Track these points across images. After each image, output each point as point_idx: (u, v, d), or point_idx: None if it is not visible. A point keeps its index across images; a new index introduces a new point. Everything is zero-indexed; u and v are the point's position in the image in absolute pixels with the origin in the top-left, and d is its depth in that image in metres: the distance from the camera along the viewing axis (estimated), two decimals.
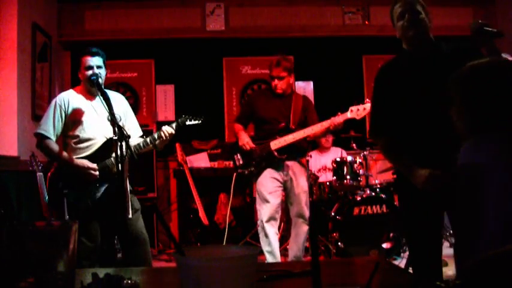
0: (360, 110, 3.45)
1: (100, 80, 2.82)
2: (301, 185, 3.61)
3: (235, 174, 3.71)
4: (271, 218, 3.52)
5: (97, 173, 2.79)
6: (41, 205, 3.37)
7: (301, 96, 3.82)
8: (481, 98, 1.42)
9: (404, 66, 2.10)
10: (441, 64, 2.03)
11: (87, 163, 2.78)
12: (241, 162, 3.62)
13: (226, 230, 4.12)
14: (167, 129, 2.90)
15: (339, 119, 3.44)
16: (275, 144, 3.52)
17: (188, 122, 3.05)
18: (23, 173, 3.80)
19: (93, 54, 2.85)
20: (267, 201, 3.51)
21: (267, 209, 3.51)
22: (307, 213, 3.61)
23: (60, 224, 0.88)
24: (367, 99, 3.47)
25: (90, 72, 2.81)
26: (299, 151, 3.65)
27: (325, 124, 3.44)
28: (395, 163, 2.13)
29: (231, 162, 5.02)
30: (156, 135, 2.91)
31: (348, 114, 3.46)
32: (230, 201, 3.92)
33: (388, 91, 2.12)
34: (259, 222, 3.58)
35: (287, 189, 3.64)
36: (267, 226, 3.51)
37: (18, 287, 0.78)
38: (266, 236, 3.51)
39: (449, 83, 1.52)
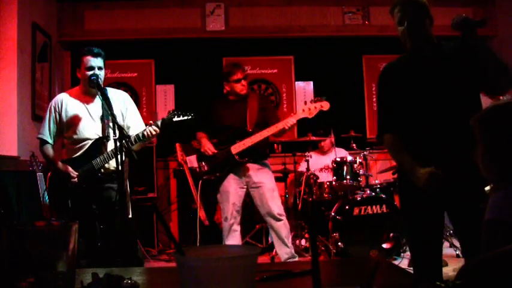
0: (311, 109, 3.53)
1: (100, 81, 2.82)
2: (265, 183, 3.66)
3: (200, 181, 3.78)
4: (233, 217, 3.64)
5: (75, 179, 2.83)
6: (41, 205, 3.37)
7: (256, 95, 3.90)
8: (509, 146, 1.32)
9: (408, 66, 2.10)
10: (443, 63, 2.03)
11: (68, 168, 2.84)
12: (206, 168, 3.70)
13: (198, 230, 4.14)
14: (151, 129, 2.87)
15: (291, 119, 3.51)
16: (235, 148, 3.59)
17: (176, 118, 2.97)
18: (23, 173, 3.80)
19: (95, 55, 2.85)
20: (229, 201, 3.63)
21: (228, 211, 3.63)
22: (275, 209, 3.65)
23: (60, 224, 0.88)
24: (319, 98, 3.58)
25: (91, 72, 2.81)
26: (260, 153, 3.72)
27: (280, 125, 3.51)
28: (398, 161, 2.12)
29: None
30: (140, 135, 2.88)
31: (300, 114, 3.55)
32: (198, 206, 3.96)
33: (392, 90, 2.11)
34: (223, 220, 3.71)
35: (251, 192, 3.70)
36: (231, 225, 3.64)
37: (18, 287, 0.78)
38: (228, 234, 3.64)
39: (472, 122, 1.43)
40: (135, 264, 2.88)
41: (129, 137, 2.57)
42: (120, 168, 2.46)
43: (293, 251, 3.71)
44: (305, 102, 3.62)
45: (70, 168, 2.84)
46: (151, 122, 2.98)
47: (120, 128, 2.48)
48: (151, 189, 5.01)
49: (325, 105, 3.54)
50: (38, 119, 4.51)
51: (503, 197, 1.30)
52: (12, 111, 4.18)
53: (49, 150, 2.92)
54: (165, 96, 5.71)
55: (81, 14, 5.41)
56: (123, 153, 2.49)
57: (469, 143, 1.51)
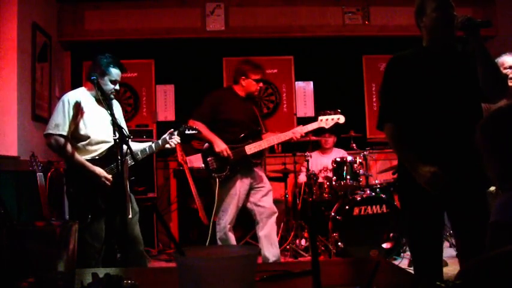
0: (328, 120, 3.58)
1: (114, 94, 2.88)
2: (267, 185, 3.67)
3: (218, 180, 3.59)
4: (232, 222, 3.56)
5: (109, 183, 2.79)
6: (41, 205, 3.37)
7: (253, 102, 3.82)
8: None
9: (420, 60, 2.08)
10: (455, 64, 2.03)
11: (104, 173, 2.78)
12: (215, 166, 3.55)
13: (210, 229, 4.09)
14: (175, 140, 2.97)
15: (307, 127, 3.57)
16: (250, 149, 3.52)
17: (187, 132, 3.06)
18: (23, 173, 3.80)
19: (123, 70, 2.87)
20: (235, 206, 3.53)
21: (232, 214, 3.53)
22: (274, 207, 3.68)
23: (60, 224, 0.88)
24: (336, 110, 3.65)
25: (112, 86, 2.81)
26: (264, 155, 3.74)
27: (298, 130, 3.58)
28: (400, 154, 2.10)
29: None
30: (160, 143, 2.94)
31: (317, 124, 3.60)
32: (215, 203, 3.84)
33: (400, 81, 2.09)
34: (222, 223, 3.55)
35: (253, 192, 3.63)
36: (229, 229, 3.54)
37: (18, 287, 0.78)
38: (227, 237, 3.53)
39: (477, 126, 1.43)
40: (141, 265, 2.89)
41: (130, 137, 2.58)
42: (120, 168, 2.47)
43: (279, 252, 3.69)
44: (321, 113, 3.64)
45: (103, 172, 2.77)
46: (172, 130, 3.02)
47: (121, 129, 2.50)
48: (151, 189, 5.01)
49: (342, 119, 3.64)
50: (38, 119, 4.51)
51: (508, 199, 1.30)
52: (12, 111, 4.18)
53: (69, 146, 2.76)
54: (165, 96, 5.71)
55: (81, 14, 5.41)
56: (126, 155, 2.52)
57: (472, 144, 1.51)
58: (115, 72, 2.80)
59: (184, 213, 5.06)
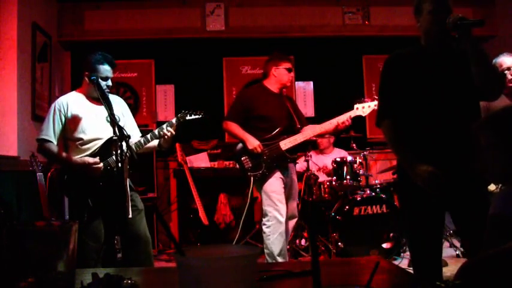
0: (365, 108, 3.44)
1: (108, 89, 2.85)
2: (296, 184, 3.64)
3: (252, 179, 3.46)
4: (285, 217, 3.40)
5: (101, 165, 2.78)
6: (41, 205, 3.37)
7: (288, 98, 3.74)
8: None
9: (418, 58, 2.08)
10: (454, 61, 2.03)
11: (87, 159, 2.77)
12: (250, 165, 3.45)
13: (239, 229, 4.02)
14: (169, 127, 2.86)
15: (347, 115, 3.41)
16: (285, 144, 3.42)
17: (188, 117, 2.98)
18: (23, 173, 3.81)
19: (113, 66, 2.87)
20: (281, 202, 3.41)
21: (282, 209, 3.38)
22: (296, 211, 3.65)
23: (60, 224, 0.88)
24: (375, 97, 3.50)
25: (104, 82, 2.82)
26: (299, 151, 3.67)
27: (334, 122, 3.40)
28: (397, 152, 2.09)
29: (231, 162, 4.91)
30: (156, 132, 2.89)
31: (354, 113, 3.43)
32: (247, 205, 3.69)
33: (398, 79, 2.09)
34: (272, 221, 3.37)
35: (286, 190, 3.56)
36: (284, 225, 3.38)
37: (18, 287, 0.78)
38: (281, 235, 3.37)
39: (480, 125, 1.44)
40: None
41: (129, 136, 2.56)
42: (120, 166, 2.46)
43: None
44: (356, 101, 3.49)
45: (88, 158, 2.77)
46: (173, 120, 2.93)
47: (120, 128, 2.49)
48: (151, 189, 5.01)
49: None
50: (38, 119, 4.51)
51: (508, 192, 1.31)
52: (12, 111, 4.18)
53: (54, 148, 2.82)
54: (165, 96, 5.71)
55: (81, 14, 5.41)
56: (125, 153, 2.51)
57: (472, 143, 1.51)
58: (104, 69, 2.82)
59: (184, 213, 5.06)
